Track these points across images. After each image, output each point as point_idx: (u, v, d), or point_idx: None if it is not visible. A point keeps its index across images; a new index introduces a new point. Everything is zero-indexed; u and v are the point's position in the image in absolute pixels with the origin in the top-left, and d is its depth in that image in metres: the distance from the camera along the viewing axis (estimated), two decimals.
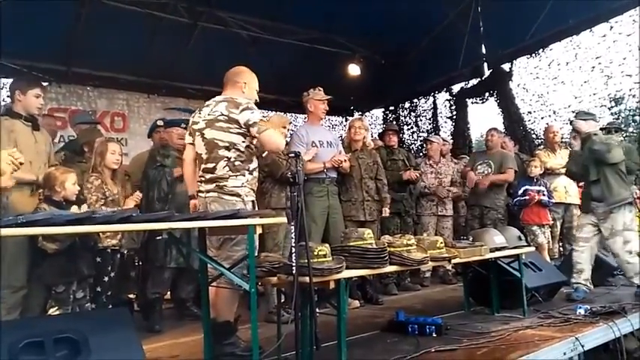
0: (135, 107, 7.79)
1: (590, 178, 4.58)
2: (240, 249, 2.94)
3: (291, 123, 4.42)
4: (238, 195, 2.94)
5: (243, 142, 2.99)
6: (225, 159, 2.96)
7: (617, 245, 4.43)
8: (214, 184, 2.96)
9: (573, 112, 7.22)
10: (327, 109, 4.72)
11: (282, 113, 4.27)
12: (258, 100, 3.21)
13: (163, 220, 2.33)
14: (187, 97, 8.11)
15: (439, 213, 5.92)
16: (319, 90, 4.64)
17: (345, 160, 4.57)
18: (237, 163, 2.96)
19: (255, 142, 3.05)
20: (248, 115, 2.94)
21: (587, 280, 4.57)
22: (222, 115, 2.97)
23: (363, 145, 5.03)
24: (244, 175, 2.98)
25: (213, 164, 2.97)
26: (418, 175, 5.57)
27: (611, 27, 6.73)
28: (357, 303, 4.62)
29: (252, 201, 3.04)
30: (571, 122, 4.92)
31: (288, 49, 7.67)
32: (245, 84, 3.17)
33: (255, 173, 3.08)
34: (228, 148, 2.96)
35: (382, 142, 5.90)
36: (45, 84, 6.68)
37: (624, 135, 6.67)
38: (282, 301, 3.28)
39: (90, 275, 3.51)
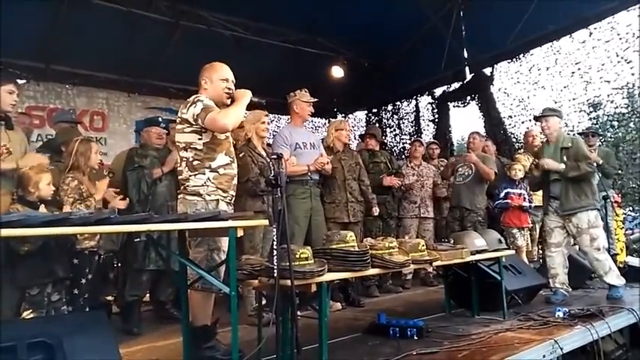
0: (115, 106, 7.68)
1: (551, 177, 4.67)
2: (201, 250, 2.91)
3: (267, 115, 4.34)
4: (199, 194, 2.90)
5: (200, 139, 2.93)
6: (185, 159, 2.95)
7: (585, 243, 4.55)
8: (182, 186, 2.98)
9: None
10: (312, 111, 4.69)
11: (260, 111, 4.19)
12: (232, 90, 3.07)
13: (142, 221, 2.28)
14: (169, 96, 8.04)
15: (421, 215, 5.95)
16: (305, 91, 4.61)
17: (328, 163, 4.55)
18: (195, 162, 2.93)
19: (220, 136, 2.99)
20: (192, 110, 2.89)
21: (564, 283, 4.64)
22: (179, 117, 2.97)
23: (345, 147, 5.03)
24: (204, 174, 2.93)
25: (180, 167, 2.99)
26: (400, 181, 5.57)
27: (591, 33, 6.84)
28: (338, 305, 4.61)
29: (217, 200, 2.94)
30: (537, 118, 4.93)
31: (272, 50, 7.63)
32: (206, 81, 3.08)
33: (224, 170, 2.99)
34: (185, 149, 2.95)
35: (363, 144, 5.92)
36: (23, 81, 6.55)
37: (602, 140, 6.78)
38: (264, 303, 3.26)
39: (66, 277, 3.43)
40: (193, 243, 2.93)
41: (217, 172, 2.96)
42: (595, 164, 4.51)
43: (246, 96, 3.02)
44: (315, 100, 4.63)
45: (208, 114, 2.85)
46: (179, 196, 2.99)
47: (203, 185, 2.92)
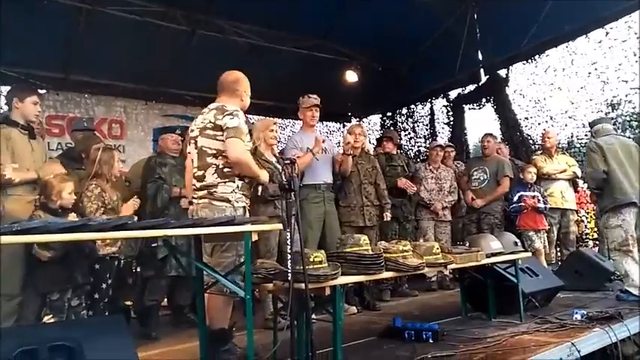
0: (133, 114, 7.81)
1: None
2: (230, 255, 2.94)
3: (276, 123, 4.41)
4: (228, 200, 2.94)
5: None
6: (214, 166, 2.97)
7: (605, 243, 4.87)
8: (205, 191, 2.98)
9: (570, 117, 7.28)
10: (316, 115, 4.65)
11: (275, 118, 4.26)
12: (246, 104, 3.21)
13: (158, 227, 2.33)
14: (185, 104, 8.15)
15: (438, 218, 5.92)
16: (308, 97, 4.61)
17: (323, 140, 4.50)
18: (225, 169, 2.96)
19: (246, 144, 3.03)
20: (227, 119, 2.93)
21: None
22: (211, 122, 2.99)
23: (362, 151, 5.04)
24: (234, 182, 2.97)
25: (203, 172, 2.99)
26: (413, 187, 5.52)
27: (607, 33, 6.74)
28: (354, 309, 4.62)
29: (244, 207, 3.01)
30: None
31: (286, 56, 7.69)
32: (245, 93, 3.19)
33: (248, 178, 3.06)
34: (215, 156, 2.97)
35: (380, 148, 5.92)
36: (42, 91, 6.71)
37: None
38: (279, 307, 3.29)
39: (85, 283, 3.51)
40: (220, 248, 2.97)
41: (244, 179, 3.03)
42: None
43: (263, 174, 3.14)
44: (314, 104, 4.58)
45: (237, 137, 2.90)
46: (201, 201, 2.98)
47: (232, 192, 2.96)
